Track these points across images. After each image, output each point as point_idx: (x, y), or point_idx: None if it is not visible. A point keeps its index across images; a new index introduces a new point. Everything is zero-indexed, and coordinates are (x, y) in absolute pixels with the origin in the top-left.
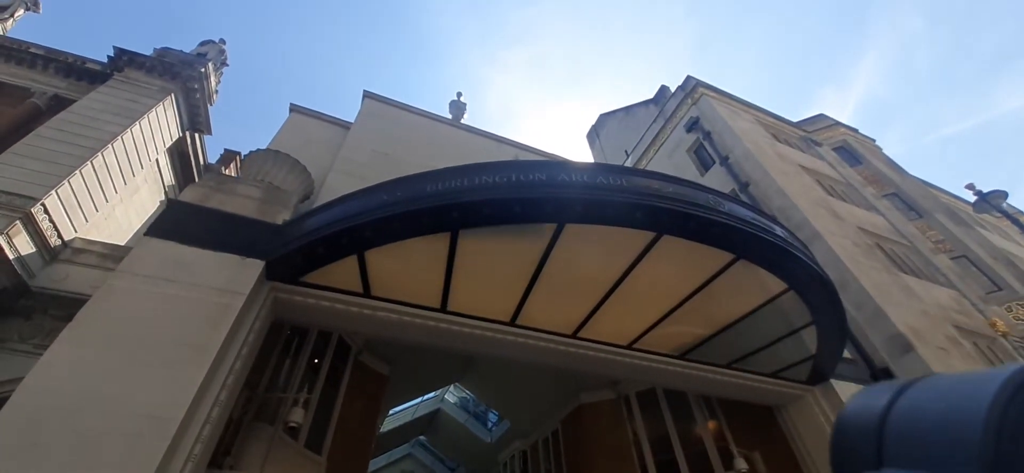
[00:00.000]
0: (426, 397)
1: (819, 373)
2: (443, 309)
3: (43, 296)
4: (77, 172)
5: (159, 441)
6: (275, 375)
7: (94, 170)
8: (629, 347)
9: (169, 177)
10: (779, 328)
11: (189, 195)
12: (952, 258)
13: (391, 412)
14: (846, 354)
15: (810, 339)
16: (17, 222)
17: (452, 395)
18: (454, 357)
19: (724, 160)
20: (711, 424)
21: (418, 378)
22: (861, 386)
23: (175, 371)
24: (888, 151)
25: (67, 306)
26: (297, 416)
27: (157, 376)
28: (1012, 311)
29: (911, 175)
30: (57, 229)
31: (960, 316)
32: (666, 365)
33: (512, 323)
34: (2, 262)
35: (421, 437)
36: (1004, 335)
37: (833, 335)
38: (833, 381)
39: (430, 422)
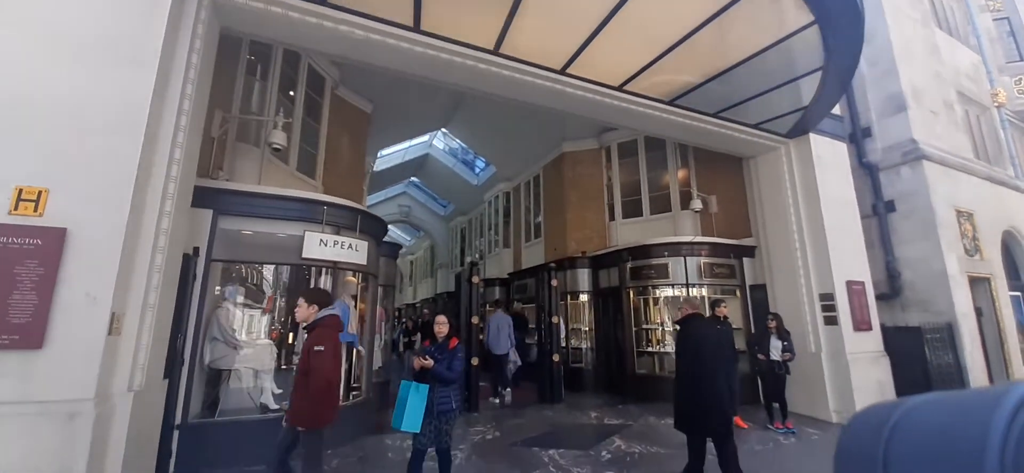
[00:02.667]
0: (415, 142)
1: (801, 126)
2: (416, 28)
3: None
4: None
5: (131, 143)
6: (247, 98)
7: None
8: (619, 89)
9: None
10: (779, 75)
11: None
12: (995, 19)
13: (381, 153)
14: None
15: (807, 89)
16: None
17: (440, 141)
18: (439, 99)
19: None
20: (681, 173)
21: (404, 119)
22: (832, 139)
23: (121, 74)
24: None
25: None
26: (279, 138)
27: (105, 78)
28: (1020, 84)
29: None
30: None
31: (968, 82)
32: (655, 111)
33: (496, 52)
34: None
35: (414, 178)
36: (999, 106)
37: (837, 86)
38: (811, 135)
39: (421, 165)
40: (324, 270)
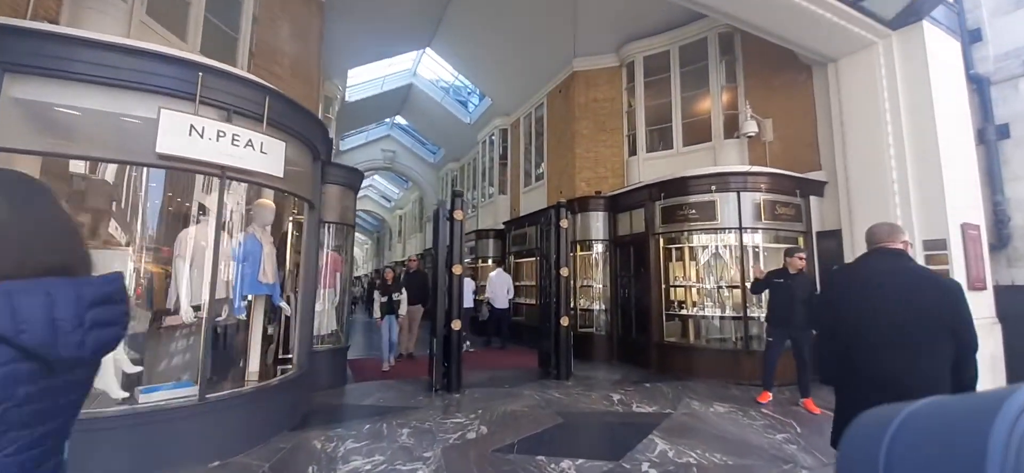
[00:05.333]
0: (395, 69)
1: (914, 9)
2: None
3: None
4: None
5: None
6: None
7: None
8: None
9: None
10: None
11: None
12: None
13: (354, 80)
14: None
15: None
16: None
17: (426, 71)
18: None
19: None
20: (726, 95)
21: (374, 21)
22: (947, 33)
23: None
24: None
25: None
26: None
27: None
28: None
29: None
30: None
31: None
32: None
33: None
34: None
35: (399, 120)
36: None
37: None
38: (925, 22)
39: (405, 99)
40: (213, 182)
